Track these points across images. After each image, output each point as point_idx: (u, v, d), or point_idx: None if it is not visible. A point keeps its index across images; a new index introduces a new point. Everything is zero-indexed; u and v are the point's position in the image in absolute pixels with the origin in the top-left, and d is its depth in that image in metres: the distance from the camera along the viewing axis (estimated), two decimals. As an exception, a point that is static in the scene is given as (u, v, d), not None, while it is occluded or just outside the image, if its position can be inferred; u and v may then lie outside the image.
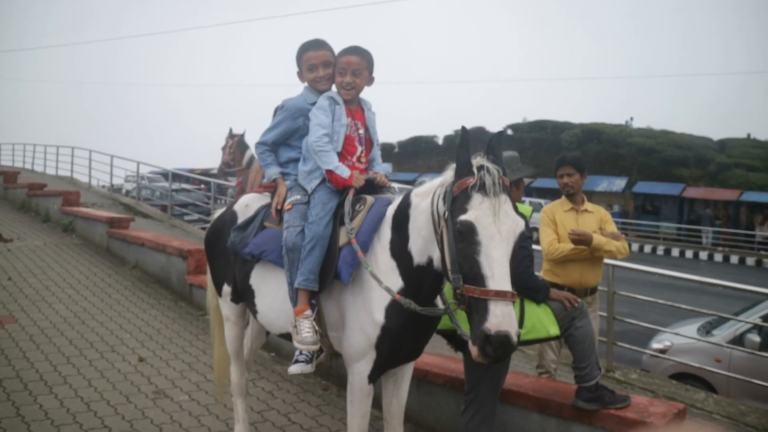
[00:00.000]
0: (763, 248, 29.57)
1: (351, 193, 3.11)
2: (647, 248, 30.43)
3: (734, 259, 27.83)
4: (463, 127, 2.56)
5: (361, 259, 2.86)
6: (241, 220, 3.55)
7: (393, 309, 2.83)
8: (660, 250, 30.11)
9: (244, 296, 3.56)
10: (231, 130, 8.19)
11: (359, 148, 3.29)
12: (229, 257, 3.59)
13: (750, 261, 27.53)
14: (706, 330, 8.93)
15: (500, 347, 2.23)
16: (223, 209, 3.86)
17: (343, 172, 3.11)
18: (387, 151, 50.25)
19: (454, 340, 3.58)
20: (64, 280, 7.94)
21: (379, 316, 2.86)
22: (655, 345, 8.78)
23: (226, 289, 3.71)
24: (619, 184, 36.47)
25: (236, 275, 3.56)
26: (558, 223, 4.95)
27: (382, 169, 3.38)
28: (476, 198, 2.40)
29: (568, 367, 5.90)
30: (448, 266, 2.48)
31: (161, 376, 5.18)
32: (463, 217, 2.38)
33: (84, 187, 18.13)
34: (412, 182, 41.00)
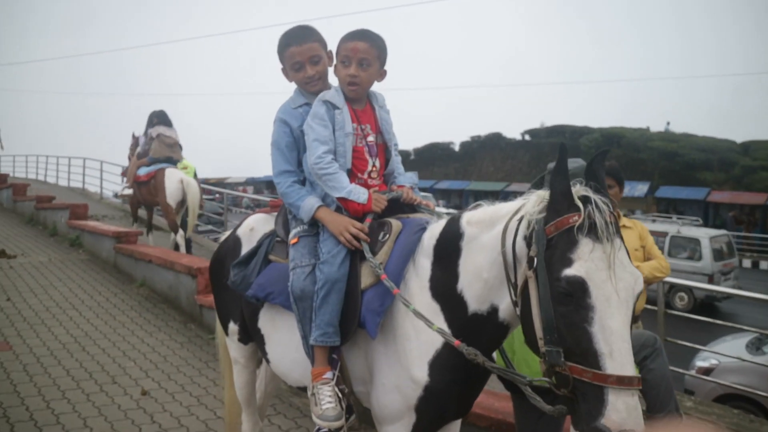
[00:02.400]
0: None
1: (369, 219, 2.49)
2: (672, 255, 29.55)
3: (765, 264, 26.93)
4: (562, 145, 1.88)
5: (398, 297, 2.24)
6: (245, 248, 2.96)
7: (439, 363, 2.22)
8: (685, 257, 29.23)
9: (254, 339, 2.98)
10: (134, 133, 10.10)
11: (370, 161, 2.64)
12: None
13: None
14: (756, 347, 8.27)
15: None
16: (228, 233, 3.29)
17: (359, 196, 2.48)
18: (403, 158, 49.27)
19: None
20: (67, 300, 7.43)
21: (420, 373, 2.23)
22: (700, 363, 8.13)
23: (233, 327, 3.12)
24: (641, 189, 35.63)
25: (244, 313, 2.98)
26: None
27: (406, 180, 2.74)
28: (585, 244, 1.76)
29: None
30: (539, 333, 1.83)
31: (166, 412, 4.62)
32: (570, 272, 1.74)
33: (95, 199, 17.78)
34: (428, 189, 40.56)
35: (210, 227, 14.17)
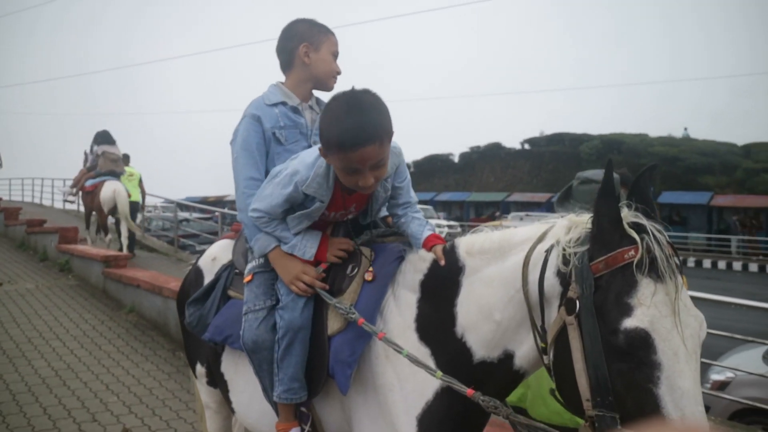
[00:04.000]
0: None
1: (324, 265, 2.12)
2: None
3: (771, 268, 26.57)
4: (609, 161, 1.51)
5: (384, 341, 1.88)
6: (207, 281, 2.60)
7: (430, 417, 1.85)
8: (691, 262, 28.83)
9: (218, 385, 2.64)
10: (85, 151, 11.59)
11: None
12: None
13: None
14: (774, 358, 7.94)
15: None
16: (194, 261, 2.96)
17: (305, 251, 2.09)
18: (402, 170, 49.50)
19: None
20: (51, 330, 7.09)
21: (408, 430, 1.86)
22: (715, 377, 7.77)
23: (200, 369, 2.77)
24: (643, 195, 35.36)
25: (208, 356, 2.64)
26: None
27: (420, 233, 2.09)
28: (646, 285, 1.42)
29: None
30: (585, 394, 1.49)
31: (147, 453, 4.30)
32: (631, 323, 1.40)
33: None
34: (428, 202, 40.26)
35: (205, 248, 13.83)
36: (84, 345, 6.63)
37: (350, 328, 1.96)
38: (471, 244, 1.89)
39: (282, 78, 2.41)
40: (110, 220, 11.43)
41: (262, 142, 2.24)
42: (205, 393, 2.83)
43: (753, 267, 27.10)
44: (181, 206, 16.78)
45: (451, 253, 1.93)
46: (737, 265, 27.45)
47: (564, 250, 1.58)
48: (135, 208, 11.77)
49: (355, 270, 2.06)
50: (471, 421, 1.91)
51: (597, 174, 2.61)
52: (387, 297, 2.02)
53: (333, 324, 2.01)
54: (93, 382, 5.58)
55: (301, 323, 2.04)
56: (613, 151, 39.48)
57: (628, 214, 1.52)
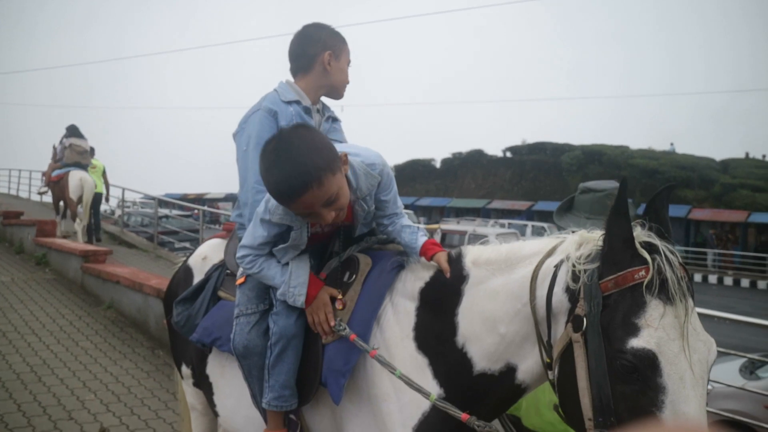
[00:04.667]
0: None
1: (323, 274, 2.06)
2: (654, 273, 29.47)
3: (746, 282, 26.93)
4: (624, 180, 1.51)
5: (377, 359, 1.82)
6: (197, 280, 2.55)
7: (427, 430, 1.80)
8: (667, 274, 29.16)
9: (202, 387, 2.58)
10: (54, 145, 11.78)
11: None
12: None
13: (762, 284, 26.59)
14: (750, 371, 7.98)
15: None
16: (182, 261, 2.88)
17: (296, 298, 1.96)
18: (384, 174, 49.39)
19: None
20: (27, 325, 6.93)
21: None
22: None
23: (186, 370, 2.70)
24: (622, 206, 35.68)
25: (192, 357, 2.57)
26: None
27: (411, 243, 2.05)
28: (655, 307, 1.41)
29: None
30: (587, 413, 1.46)
31: (125, 453, 4.20)
32: (637, 344, 1.38)
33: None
34: (409, 206, 40.20)
35: (185, 245, 13.69)
36: (60, 341, 6.49)
37: (345, 337, 1.92)
38: (479, 254, 1.86)
39: (279, 78, 2.37)
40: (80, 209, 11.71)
41: None
42: (191, 394, 2.76)
43: (728, 280, 27.49)
44: (161, 202, 16.61)
45: (456, 262, 1.90)
46: (713, 278, 27.80)
47: (574, 266, 1.55)
48: (99, 199, 12.32)
49: (353, 277, 2.02)
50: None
51: (597, 184, 2.59)
52: (384, 305, 1.98)
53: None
54: (70, 378, 5.46)
55: (296, 331, 1.99)
56: (593, 161, 39.78)
57: (641, 234, 1.49)
